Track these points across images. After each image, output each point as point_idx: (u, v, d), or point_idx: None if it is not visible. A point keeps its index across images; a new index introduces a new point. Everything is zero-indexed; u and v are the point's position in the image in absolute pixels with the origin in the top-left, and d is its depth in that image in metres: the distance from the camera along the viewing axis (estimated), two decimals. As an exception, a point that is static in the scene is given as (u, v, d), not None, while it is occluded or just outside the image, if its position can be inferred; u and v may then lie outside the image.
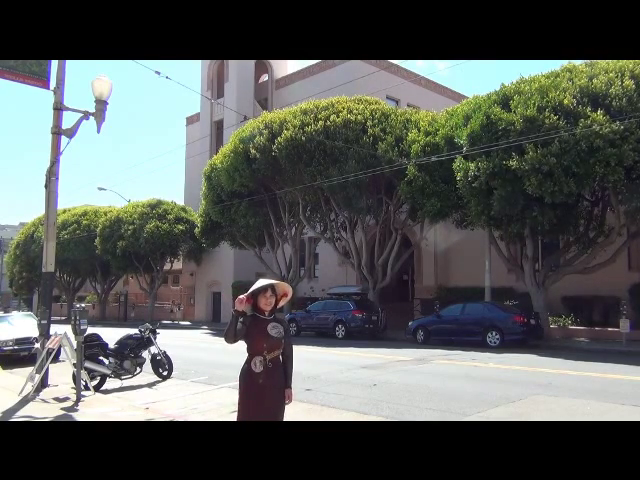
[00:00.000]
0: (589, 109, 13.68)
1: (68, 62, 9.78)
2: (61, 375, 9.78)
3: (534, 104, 14.47)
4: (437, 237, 24.44)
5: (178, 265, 36.82)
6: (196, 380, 10.33)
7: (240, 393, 3.75)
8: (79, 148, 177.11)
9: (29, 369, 9.29)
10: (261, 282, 3.80)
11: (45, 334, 8.87)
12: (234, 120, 29.92)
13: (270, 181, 23.00)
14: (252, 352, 3.72)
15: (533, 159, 13.98)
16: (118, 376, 9.73)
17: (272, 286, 3.78)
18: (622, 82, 13.79)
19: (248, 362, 3.72)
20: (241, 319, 3.66)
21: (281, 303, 3.93)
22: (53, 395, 8.33)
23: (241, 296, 3.67)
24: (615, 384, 9.06)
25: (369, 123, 20.39)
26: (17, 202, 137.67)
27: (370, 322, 19.91)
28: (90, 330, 8.88)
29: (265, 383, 3.64)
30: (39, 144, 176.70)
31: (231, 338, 3.63)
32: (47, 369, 8.76)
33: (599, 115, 13.34)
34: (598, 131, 13.12)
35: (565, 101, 14.08)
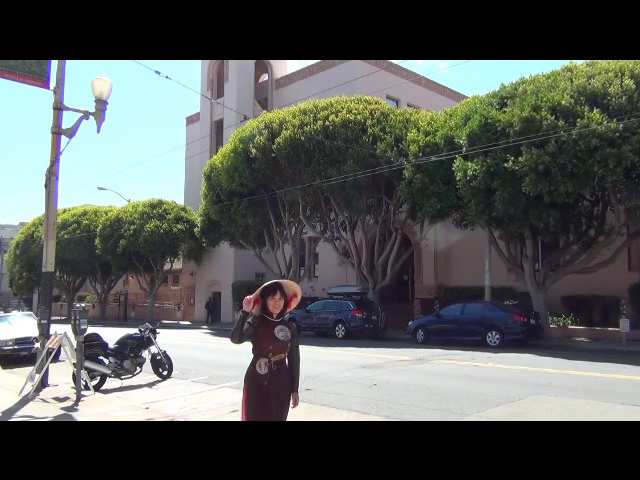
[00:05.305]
0: (587, 109, 13.67)
1: (68, 62, 9.79)
2: (61, 375, 9.78)
3: (529, 104, 14.48)
4: (437, 237, 24.45)
5: (178, 265, 36.83)
6: (196, 380, 10.34)
7: (245, 395, 3.71)
8: (79, 148, 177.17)
9: (29, 369, 9.29)
10: (270, 282, 3.77)
11: (45, 334, 8.87)
12: (234, 120, 29.91)
13: (270, 181, 23.01)
14: (257, 354, 3.67)
15: (528, 160, 13.99)
16: (118, 376, 9.74)
17: (281, 288, 3.73)
18: (622, 81, 13.78)
19: (253, 364, 3.68)
20: (249, 320, 3.61)
21: (292, 305, 3.85)
22: (53, 395, 8.32)
23: (248, 296, 3.61)
24: (615, 384, 9.07)
25: (368, 123, 20.39)
26: (17, 202, 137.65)
27: (370, 322, 19.92)
28: (90, 330, 8.88)
29: (270, 385, 3.60)
30: (39, 144, 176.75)
31: (237, 338, 3.56)
32: (47, 369, 8.76)
33: (596, 114, 13.33)
34: (595, 130, 13.11)
35: (563, 101, 14.07)
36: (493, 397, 7.93)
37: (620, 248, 16.83)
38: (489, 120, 15.47)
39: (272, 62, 34.65)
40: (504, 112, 15.25)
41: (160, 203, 34.09)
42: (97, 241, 34.52)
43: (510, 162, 14.34)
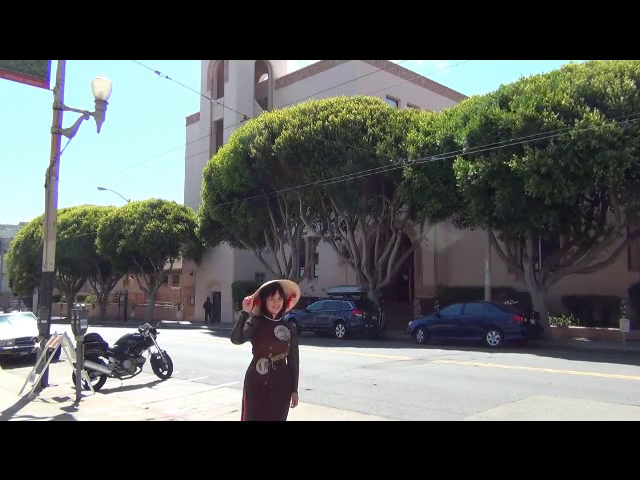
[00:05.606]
0: (587, 109, 13.65)
1: (68, 62, 9.79)
2: (61, 375, 9.78)
3: (533, 104, 14.47)
4: (437, 237, 24.44)
5: (178, 265, 36.83)
6: (196, 380, 10.34)
7: (245, 395, 3.70)
8: (79, 148, 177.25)
9: (29, 369, 9.29)
10: (269, 282, 3.77)
11: (45, 334, 8.87)
12: (234, 120, 29.92)
13: (270, 181, 23.01)
14: (257, 354, 3.66)
15: (531, 161, 13.98)
16: (118, 376, 9.74)
17: (280, 288, 3.73)
18: (622, 82, 13.76)
19: (253, 364, 3.68)
20: (249, 320, 3.61)
21: (291, 304, 3.86)
22: (53, 395, 8.32)
23: (247, 297, 3.61)
24: (615, 384, 9.07)
25: (368, 123, 20.40)
26: (17, 202, 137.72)
27: (370, 322, 19.91)
28: (90, 330, 8.87)
29: (270, 385, 3.60)
30: (39, 144, 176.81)
31: (237, 339, 3.56)
32: (47, 369, 8.75)
33: (595, 115, 13.32)
34: (594, 131, 13.09)
35: (563, 101, 14.07)
36: (493, 397, 7.93)
37: (620, 248, 16.82)
38: (491, 117, 15.42)
39: (272, 62, 34.65)
40: (508, 110, 15.21)
41: (160, 203, 34.11)
42: (97, 241, 34.53)
43: (514, 162, 14.31)
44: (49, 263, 9.19)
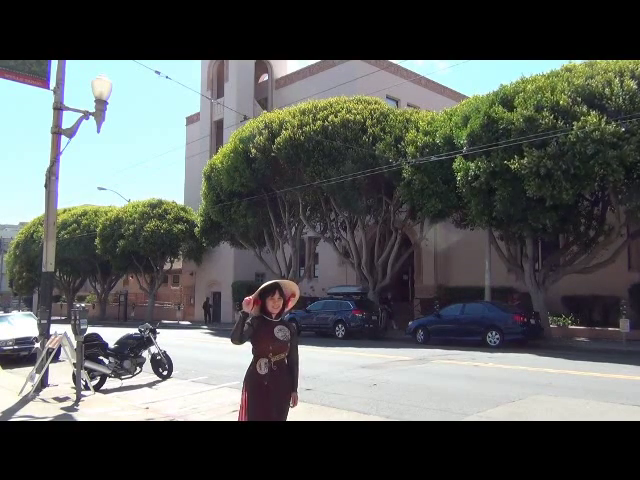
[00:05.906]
0: (585, 109, 13.63)
1: (68, 62, 9.79)
2: (61, 375, 9.78)
3: (532, 104, 14.47)
4: (437, 237, 24.44)
5: (178, 265, 36.83)
6: (196, 380, 10.34)
7: (245, 395, 3.70)
8: (79, 148, 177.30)
9: (29, 369, 9.29)
10: (269, 282, 3.78)
11: (45, 334, 8.87)
12: (234, 120, 29.92)
13: (270, 181, 23.01)
14: (257, 354, 3.67)
15: (531, 162, 13.97)
16: (118, 376, 9.73)
17: (279, 288, 3.74)
18: (622, 82, 13.75)
19: (253, 364, 3.68)
20: (248, 320, 3.62)
21: (290, 304, 3.87)
22: (53, 395, 8.32)
23: (248, 297, 3.63)
24: (615, 384, 9.07)
25: (368, 123, 20.39)
26: (17, 202, 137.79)
27: (370, 322, 19.91)
28: (90, 330, 8.87)
29: (270, 385, 3.61)
30: (39, 144, 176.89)
31: (237, 339, 3.58)
32: (47, 369, 8.75)
33: (593, 117, 13.29)
34: (591, 133, 13.06)
35: (561, 102, 14.06)
36: (493, 397, 7.93)
37: (620, 248, 16.82)
38: (494, 116, 15.40)
39: (272, 62, 34.65)
40: (510, 109, 15.18)
41: (160, 203, 34.11)
42: (97, 241, 34.53)
43: (516, 164, 14.29)
44: (49, 263, 9.19)
